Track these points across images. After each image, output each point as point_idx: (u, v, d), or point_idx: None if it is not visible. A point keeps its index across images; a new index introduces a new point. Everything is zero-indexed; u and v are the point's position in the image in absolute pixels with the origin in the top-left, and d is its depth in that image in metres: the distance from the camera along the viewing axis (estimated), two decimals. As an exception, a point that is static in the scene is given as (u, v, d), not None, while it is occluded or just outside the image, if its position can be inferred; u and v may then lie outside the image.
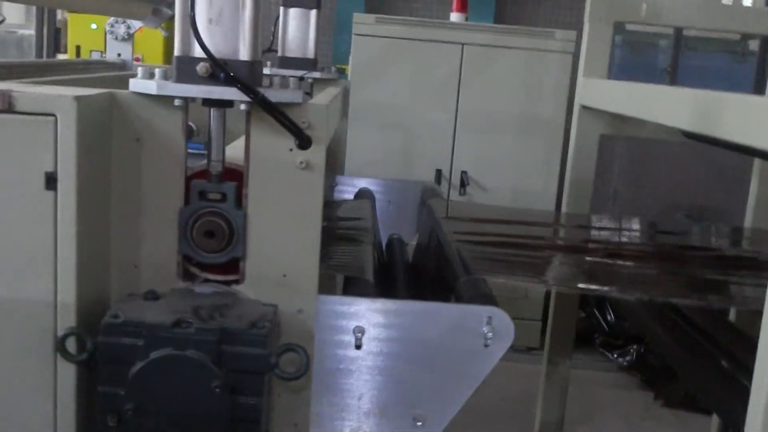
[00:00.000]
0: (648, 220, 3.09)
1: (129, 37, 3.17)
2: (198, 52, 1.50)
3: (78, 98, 1.40)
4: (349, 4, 6.25)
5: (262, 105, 1.52)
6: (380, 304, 1.69)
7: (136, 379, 1.39)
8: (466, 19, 5.19)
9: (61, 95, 1.40)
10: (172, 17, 1.63)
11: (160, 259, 1.61)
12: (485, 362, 1.69)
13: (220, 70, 1.48)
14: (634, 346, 5.06)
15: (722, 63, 6.58)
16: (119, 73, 2.96)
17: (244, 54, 1.52)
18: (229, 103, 1.58)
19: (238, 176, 1.63)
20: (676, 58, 6.52)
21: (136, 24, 3.14)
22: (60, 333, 1.44)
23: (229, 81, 1.49)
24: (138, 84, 1.54)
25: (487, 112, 5.00)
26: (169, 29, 3.19)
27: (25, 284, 1.45)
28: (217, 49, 1.50)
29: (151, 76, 1.56)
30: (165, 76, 1.55)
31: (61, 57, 7.57)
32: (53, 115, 1.40)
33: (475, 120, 5.02)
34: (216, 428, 1.40)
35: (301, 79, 3.23)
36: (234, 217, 1.60)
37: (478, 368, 1.69)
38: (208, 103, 1.57)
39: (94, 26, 5.96)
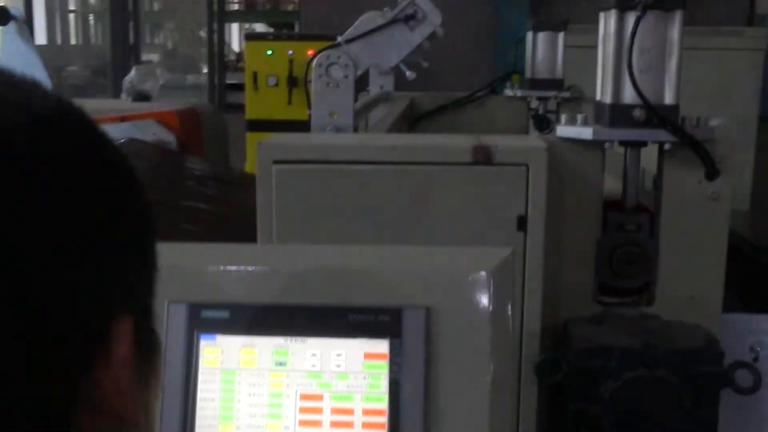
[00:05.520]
0: None
1: (391, 70, 3.37)
2: (629, 99, 1.66)
3: (547, 149, 1.58)
4: (511, 11, 6.35)
5: (689, 144, 1.66)
6: (777, 320, 1.82)
7: (611, 397, 1.55)
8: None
9: (534, 146, 1.58)
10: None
11: (578, 286, 1.78)
12: None
13: (655, 116, 1.64)
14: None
15: None
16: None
17: (669, 98, 1.67)
18: (645, 143, 1.74)
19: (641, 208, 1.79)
20: None
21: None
22: (537, 358, 1.62)
23: (663, 125, 1.64)
24: (569, 131, 1.71)
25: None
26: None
27: (496, 315, 1.63)
28: (646, 95, 1.66)
29: (574, 122, 1.73)
30: (586, 122, 1.72)
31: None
32: (526, 164, 1.58)
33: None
34: (683, 440, 1.56)
35: (556, 99, 3.37)
36: (648, 246, 1.76)
37: None
38: (627, 143, 1.73)
39: (269, 53, 6.23)
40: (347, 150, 1.58)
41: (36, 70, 3.21)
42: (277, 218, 1.57)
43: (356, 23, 1.85)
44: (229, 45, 9.46)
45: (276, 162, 1.57)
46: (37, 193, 0.44)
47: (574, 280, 1.77)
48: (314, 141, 1.69)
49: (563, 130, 1.72)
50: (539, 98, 3.37)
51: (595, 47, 5.27)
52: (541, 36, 3.32)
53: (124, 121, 3.40)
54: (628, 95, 1.66)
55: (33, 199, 0.44)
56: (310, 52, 6.61)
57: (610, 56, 1.68)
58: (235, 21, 11.88)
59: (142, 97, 4.05)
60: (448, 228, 1.61)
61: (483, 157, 1.57)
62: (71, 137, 0.48)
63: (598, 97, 1.75)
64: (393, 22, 1.84)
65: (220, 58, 7.09)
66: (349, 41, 1.85)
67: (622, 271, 1.76)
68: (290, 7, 19.15)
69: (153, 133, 3.35)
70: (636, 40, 1.63)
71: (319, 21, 6.71)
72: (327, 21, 6.71)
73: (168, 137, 3.35)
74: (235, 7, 10.26)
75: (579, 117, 1.73)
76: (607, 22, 1.71)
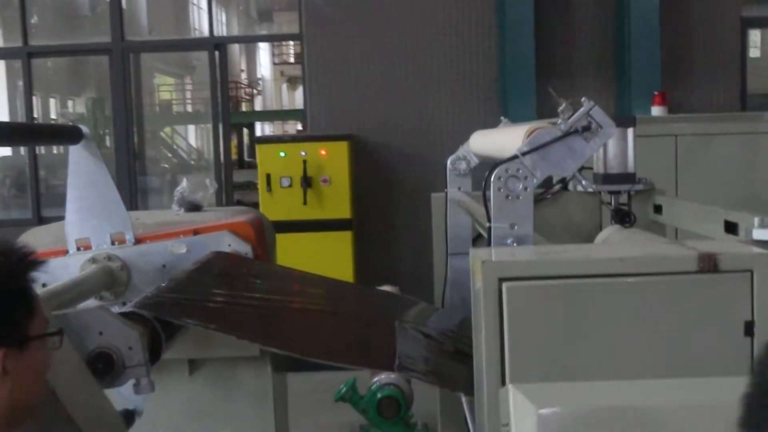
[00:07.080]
0: None
1: (468, 172, 3.41)
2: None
3: (772, 254, 1.59)
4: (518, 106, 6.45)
5: None
6: None
7: None
8: (668, 111, 5.40)
9: (759, 253, 1.59)
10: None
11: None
12: None
13: None
14: None
15: None
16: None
17: None
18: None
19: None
20: None
21: (474, 159, 3.39)
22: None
23: None
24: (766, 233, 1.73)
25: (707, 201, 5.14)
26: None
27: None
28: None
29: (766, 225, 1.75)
30: (777, 224, 1.75)
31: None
32: (750, 270, 1.58)
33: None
34: None
35: (629, 193, 3.42)
36: None
37: None
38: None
39: (282, 154, 6.22)
40: (575, 265, 1.57)
41: (106, 188, 3.16)
42: (510, 335, 1.55)
43: (531, 137, 1.87)
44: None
45: (503, 279, 1.56)
46: None
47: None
48: (539, 256, 1.68)
49: (760, 233, 1.74)
50: (611, 192, 3.41)
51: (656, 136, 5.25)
52: (611, 132, 3.39)
53: (197, 234, 3.35)
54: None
55: None
56: (323, 152, 6.58)
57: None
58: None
59: (193, 207, 4.01)
60: (674, 337, 1.59)
61: (709, 265, 1.57)
62: None
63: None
64: (568, 134, 1.86)
65: (226, 158, 7.10)
66: (524, 153, 1.85)
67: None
68: (244, 107, 19.33)
69: (228, 244, 3.31)
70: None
71: (324, 120, 6.74)
72: (331, 119, 6.76)
73: (244, 248, 3.31)
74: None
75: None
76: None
